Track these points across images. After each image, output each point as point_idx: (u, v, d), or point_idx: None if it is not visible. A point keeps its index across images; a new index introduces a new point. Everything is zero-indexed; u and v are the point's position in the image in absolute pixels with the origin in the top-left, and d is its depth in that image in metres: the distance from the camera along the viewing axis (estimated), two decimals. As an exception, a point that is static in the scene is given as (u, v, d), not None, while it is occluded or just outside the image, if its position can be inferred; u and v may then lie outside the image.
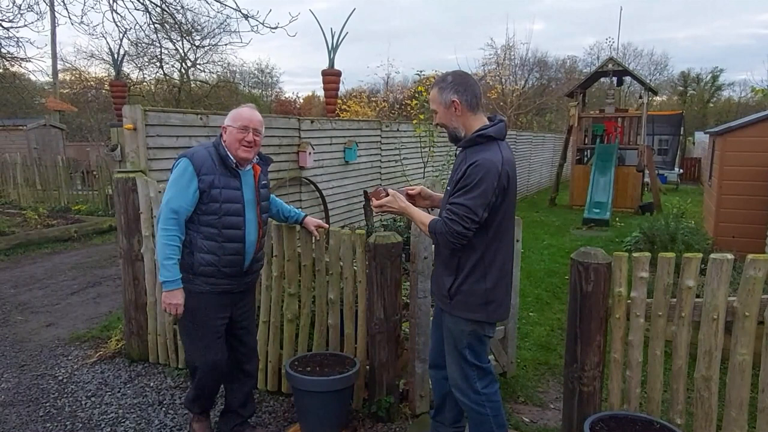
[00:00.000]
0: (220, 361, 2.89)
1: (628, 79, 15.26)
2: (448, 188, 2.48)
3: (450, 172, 2.61)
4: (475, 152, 2.35)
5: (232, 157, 2.73)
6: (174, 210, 2.65)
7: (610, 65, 13.25)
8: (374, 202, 2.61)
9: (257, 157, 2.89)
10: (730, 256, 2.39)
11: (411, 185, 2.82)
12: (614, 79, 13.95)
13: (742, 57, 51.97)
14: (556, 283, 6.41)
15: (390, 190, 2.59)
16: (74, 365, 4.16)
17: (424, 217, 2.50)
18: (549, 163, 19.22)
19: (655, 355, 2.59)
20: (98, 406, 3.53)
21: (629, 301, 2.60)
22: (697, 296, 2.49)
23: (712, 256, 2.41)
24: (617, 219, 11.22)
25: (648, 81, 19.39)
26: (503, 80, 25.01)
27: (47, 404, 3.56)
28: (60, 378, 3.94)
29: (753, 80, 35.90)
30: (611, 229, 10.36)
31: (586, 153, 14.46)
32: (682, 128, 20.76)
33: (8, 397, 3.66)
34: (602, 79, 15.40)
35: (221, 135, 2.79)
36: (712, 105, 36.33)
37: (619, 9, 32.97)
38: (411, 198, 2.70)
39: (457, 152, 2.52)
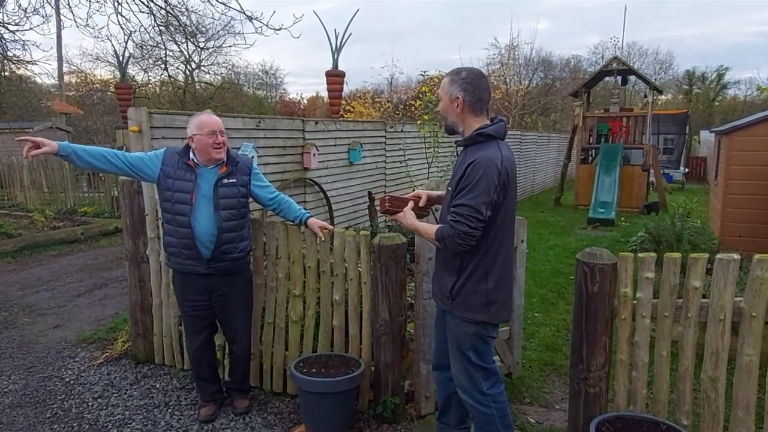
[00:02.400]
0: (198, 349, 3.35)
1: (632, 78, 15.24)
2: (449, 188, 2.49)
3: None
4: (475, 151, 2.37)
5: (192, 157, 3.09)
6: (130, 154, 3.17)
7: (614, 64, 13.21)
8: (383, 208, 2.68)
9: (226, 158, 3.15)
10: (736, 256, 2.38)
11: (415, 185, 2.85)
12: (619, 78, 13.90)
13: (749, 55, 51.57)
14: (561, 283, 6.39)
15: (407, 210, 2.61)
16: (81, 367, 4.18)
17: (429, 229, 2.50)
18: (554, 162, 19.17)
19: (662, 355, 2.58)
20: (105, 407, 3.55)
21: (635, 301, 2.59)
22: (704, 296, 2.48)
23: (719, 256, 2.40)
24: (622, 219, 11.18)
25: (653, 80, 19.32)
26: (507, 80, 24.99)
27: (54, 406, 3.58)
28: (67, 379, 3.96)
29: (759, 78, 35.70)
30: (616, 229, 10.33)
31: (590, 152, 14.42)
32: (687, 127, 20.65)
33: (16, 398, 3.68)
34: (607, 79, 15.34)
35: (188, 145, 3.12)
36: (717, 104, 36.10)
37: (624, 7, 32.80)
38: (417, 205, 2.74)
39: (458, 151, 2.53)
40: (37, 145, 2.84)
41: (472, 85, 2.41)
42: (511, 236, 2.53)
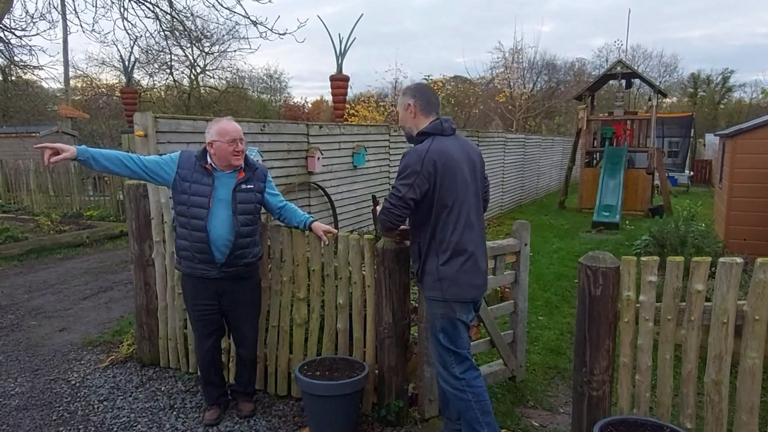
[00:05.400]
0: (207, 353, 3.34)
1: (637, 81, 15.21)
2: None
3: None
4: None
5: (211, 161, 3.13)
6: (146, 158, 3.19)
7: (618, 68, 13.20)
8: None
9: (244, 164, 3.22)
10: (739, 259, 2.39)
11: None
12: (623, 81, 13.89)
13: (758, 56, 51.12)
14: (565, 286, 6.38)
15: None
16: (87, 369, 4.21)
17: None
18: (558, 166, 19.15)
19: (665, 359, 2.58)
20: (110, 410, 3.57)
21: (638, 305, 2.60)
22: (707, 300, 2.48)
23: (721, 259, 2.41)
24: (627, 222, 11.15)
25: (657, 83, 19.27)
26: (511, 84, 25.00)
27: (60, 408, 3.60)
28: (73, 382, 3.99)
29: (764, 81, 35.58)
30: (621, 232, 10.30)
31: (595, 156, 14.40)
32: (692, 130, 20.61)
33: (22, 401, 3.71)
34: (611, 82, 15.34)
35: (205, 149, 3.16)
36: (722, 106, 36.03)
37: (628, 10, 32.84)
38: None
39: None
40: (57, 152, 2.87)
41: (420, 91, 2.76)
42: (467, 221, 2.67)
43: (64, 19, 10.61)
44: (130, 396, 3.75)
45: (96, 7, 9.48)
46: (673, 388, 2.61)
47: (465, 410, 2.70)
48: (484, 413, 2.68)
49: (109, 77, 25.58)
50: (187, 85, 23.27)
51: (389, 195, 2.64)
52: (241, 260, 3.18)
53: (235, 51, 23.07)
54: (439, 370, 2.77)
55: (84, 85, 24.39)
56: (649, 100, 14.00)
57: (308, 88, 62.34)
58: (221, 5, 8.97)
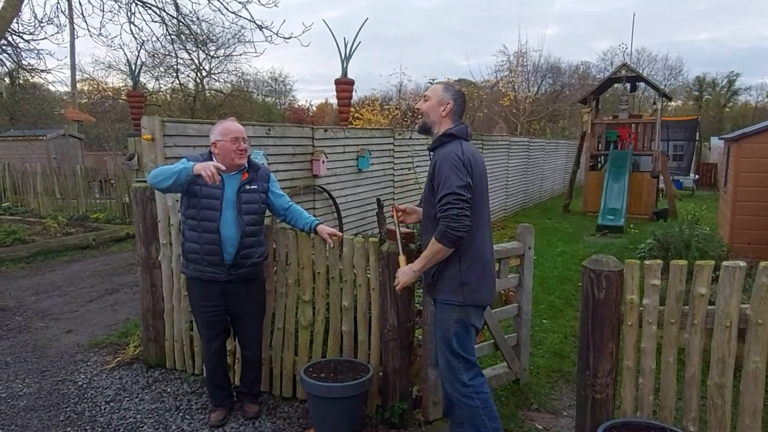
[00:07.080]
0: (214, 355, 3.37)
1: (642, 84, 15.19)
2: (424, 195, 2.74)
3: None
4: (441, 150, 2.65)
5: (217, 163, 3.08)
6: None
7: (623, 71, 13.20)
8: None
9: (247, 165, 3.26)
10: (742, 263, 2.40)
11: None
12: (628, 84, 13.88)
13: (763, 59, 50.68)
14: (569, 290, 6.39)
15: (399, 272, 2.79)
16: (93, 371, 4.24)
17: (430, 247, 2.63)
18: (562, 169, 19.14)
19: (668, 362, 2.59)
20: (117, 411, 3.60)
21: (641, 308, 2.61)
22: (711, 303, 2.49)
23: (725, 263, 2.42)
24: (632, 225, 11.13)
25: (662, 86, 19.27)
26: (516, 87, 25.00)
27: (67, 409, 3.63)
28: (80, 383, 4.02)
29: (769, 84, 35.43)
30: (625, 236, 10.29)
31: (599, 159, 14.38)
32: (697, 133, 20.55)
33: (30, 402, 3.74)
34: (616, 85, 15.32)
35: (210, 151, 3.21)
36: (728, 110, 35.91)
37: (633, 14, 32.82)
38: (403, 212, 3.04)
39: (430, 156, 2.76)
40: (212, 168, 2.92)
41: (461, 98, 2.76)
42: (486, 226, 2.71)
43: (71, 23, 10.69)
44: (137, 397, 3.78)
45: (103, 11, 9.56)
46: (677, 391, 2.61)
47: (472, 417, 2.70)
48: (491, 419, 2.69)
49: (116, 81, 25.80)
50: (193, 88, 23.40)
51: (450, 202, 2.47)
52: (248, 260, 3.22)
53: (240, 55, 23.09)
54: (447, 376, 2.75)
55: (90, 88, 24.57)
56: (654, 103, 13.97)
57: (312, 92, 62.57)
58: (227, 9, 9.04)
